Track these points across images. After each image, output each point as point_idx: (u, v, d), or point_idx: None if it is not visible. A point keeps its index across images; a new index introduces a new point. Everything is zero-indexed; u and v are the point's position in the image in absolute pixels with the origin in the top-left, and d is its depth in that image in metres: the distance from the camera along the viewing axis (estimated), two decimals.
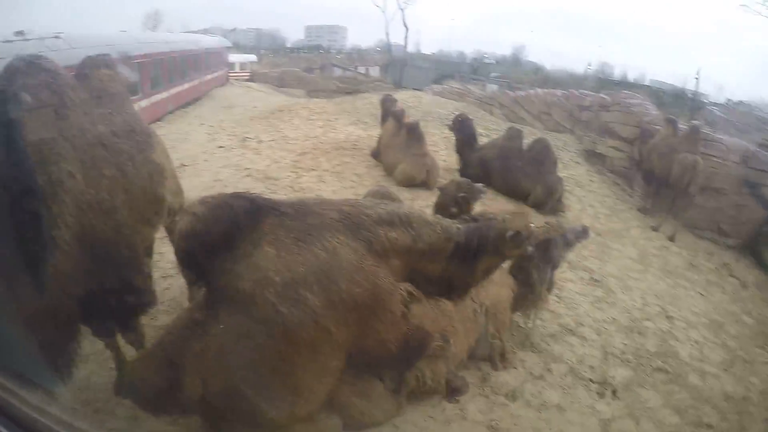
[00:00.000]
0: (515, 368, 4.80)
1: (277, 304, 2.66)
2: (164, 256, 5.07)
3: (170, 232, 4.57)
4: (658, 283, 7.75)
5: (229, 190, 6.84)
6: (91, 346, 3.77)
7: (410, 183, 9.06)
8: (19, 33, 8.11)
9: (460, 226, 3.37)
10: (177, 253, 2.93)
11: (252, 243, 2.74)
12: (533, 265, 4.89)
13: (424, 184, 8.98)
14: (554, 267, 5.10)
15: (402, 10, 24.44)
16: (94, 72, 3.92)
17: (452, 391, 4.26)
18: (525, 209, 3.65)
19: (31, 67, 3.21)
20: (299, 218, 2.87)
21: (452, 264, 3.32)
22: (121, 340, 3.77)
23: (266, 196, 3.10)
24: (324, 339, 2.79)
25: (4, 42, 7.50)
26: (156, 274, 5.03)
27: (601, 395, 4.77)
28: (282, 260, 2.71)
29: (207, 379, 2.76)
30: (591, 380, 4.93)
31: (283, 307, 2.66)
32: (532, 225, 3.57)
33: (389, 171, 9.58)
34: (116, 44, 11.88)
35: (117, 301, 3.45)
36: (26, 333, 2.88)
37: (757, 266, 10.05)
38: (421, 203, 7.89)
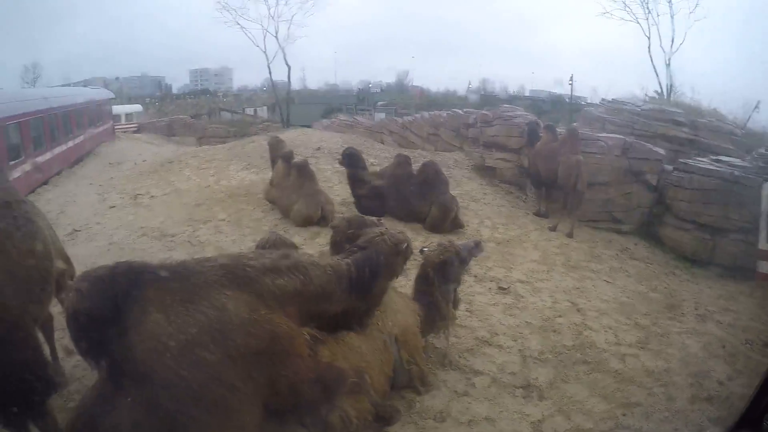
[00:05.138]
0: (438, 389, 4.80)
1: (176, 368, 2.60)
2: (67, 331, 4.71)
3: (63, 304, 4.38)
4: (564, 280, 8.07)
5: (126, 252, 6.57)
6: None
7: (307, 223, 9.07)
8: None
9: (349, 260, 3.43)
10: (69, 331, 2.82)
11: (140, 311, 2.66)
12: (434, 287, 5.01)
13: (324, 221, 8.99)
14: (456, 284, 5.24)
15: (282, 49, 24.57)
16: None
17: (381, 420, 4.22)
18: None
19: None
20: (183, 280, 2.83)
21: (351, 297, 3.38)
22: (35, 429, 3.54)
23: (148, 261, 3.04)
24: (232, 395, 2.75)
25: None
26: (63, 352, 4.74)
27: (527, 398, 4.85)
28: (173, 324, 2.66)
29: None
30: (515, 386, 5.01)
31: (184, 371, 2.61)
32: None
33: (285, 213, 9.56)
34: None
35: (17, 387, 3.31)
36: None
37: (655, 245, 10.83)
38: (321, 241, 7.86)
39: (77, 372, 4.64)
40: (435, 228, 9.42)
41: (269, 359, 2.90)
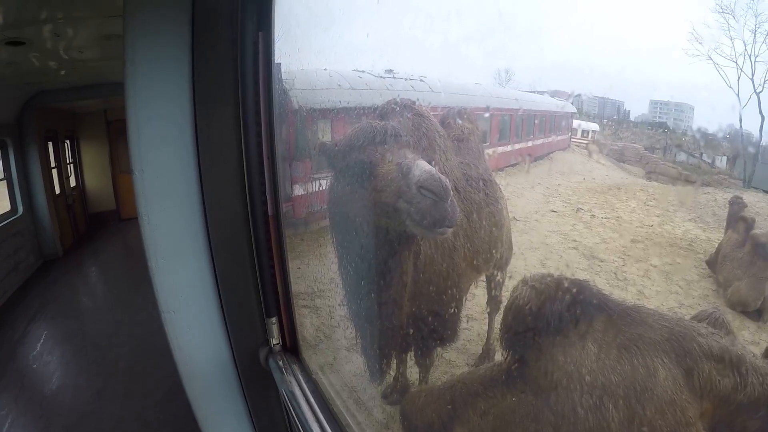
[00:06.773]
0: None
1: (576, 402, 2.55)
2: (475, 298, 5.27)
3: (489, 281, 4.91)
4: None
5: (554, 257, 6.98)
6: None
7: (741, 308, 7.73)
8: (389, 71, 9.53)
9: None
10: (504, 317, 2.94)
11: (578, 335, 2.68)
12: None
13: (757, 315, 7.58)
14: None
15: (758, 94, 20.52)
16: (456, 123, 4.37)
17: None
18: None
19: (406, 109, 3.69)
20: (631, 325, 2.73)
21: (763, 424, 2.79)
22: (409, 358, 4.13)
23: (599, 288, 2.91)
24: None
25: (377, 77, 9.04)
26: (462, 313, 5.46)
27: None
28: (600, 362, 2.61)
29: None
30: None
31: (581, 409, 2.53)
32: None
33: (721, 286, 8.35)
34: (471, 95, 13.08)
35: (428, 329, 3.76)
36: (373, 341, 3.44)
37: None
38: (747, 335, 6.72)
39: (465, 334, 5.09)
40: None
41: None
